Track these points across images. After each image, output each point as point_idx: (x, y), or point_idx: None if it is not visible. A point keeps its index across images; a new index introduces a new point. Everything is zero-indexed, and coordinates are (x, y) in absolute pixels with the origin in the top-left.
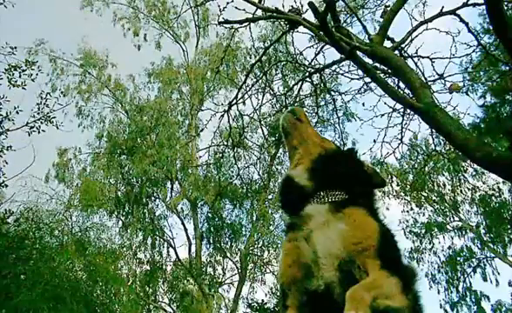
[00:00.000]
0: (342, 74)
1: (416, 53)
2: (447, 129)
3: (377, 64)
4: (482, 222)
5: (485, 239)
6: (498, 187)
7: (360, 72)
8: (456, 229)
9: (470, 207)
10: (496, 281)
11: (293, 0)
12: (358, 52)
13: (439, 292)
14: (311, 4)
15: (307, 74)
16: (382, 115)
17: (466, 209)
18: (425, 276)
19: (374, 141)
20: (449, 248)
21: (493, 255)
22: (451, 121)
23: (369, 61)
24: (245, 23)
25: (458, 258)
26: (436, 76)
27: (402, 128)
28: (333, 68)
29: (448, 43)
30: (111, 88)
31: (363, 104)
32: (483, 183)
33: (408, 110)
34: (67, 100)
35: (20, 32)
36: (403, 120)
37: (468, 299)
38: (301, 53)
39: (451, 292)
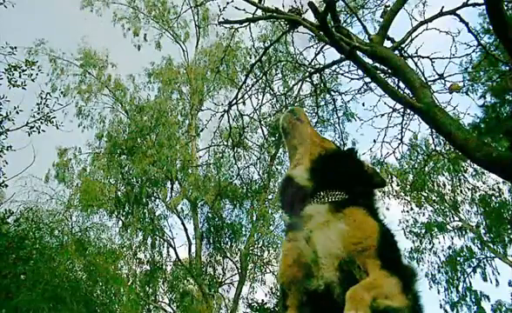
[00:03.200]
0: (342, 74)
1: (416, 53)
2: (447, 129)
3: (377, 64)
4: (482, 222)
5: (485, 239)
6: (498, 187)
7: (360, 72)
8: (456, 229)
9: (470, 207)
10: (496, 281)
11: (293, 0)
12: (358, 52)
13: (439, 292)
14: (311, 4)
15: (307, 74)
16: (382, 115)
17: (466, 209)
18: (425, 276)
19: (374, 141)
20: (449, 248)
21: (493, 255)
22: (451, 121)
23: (369, 61)
24: (245, 23)
25: (458, 258)
26: (436, 76)
27: (402, 128)
28: (333, 68)
29: (448, 43)
30: (111, 88)
31: (363, 104)
32: (483, 183)
33: (408, 110)
34: (67, 100)
35: (20, 32)
36: (403, 120)
37: (468, 299)
38: (301, 53)
39: (451, 292)
